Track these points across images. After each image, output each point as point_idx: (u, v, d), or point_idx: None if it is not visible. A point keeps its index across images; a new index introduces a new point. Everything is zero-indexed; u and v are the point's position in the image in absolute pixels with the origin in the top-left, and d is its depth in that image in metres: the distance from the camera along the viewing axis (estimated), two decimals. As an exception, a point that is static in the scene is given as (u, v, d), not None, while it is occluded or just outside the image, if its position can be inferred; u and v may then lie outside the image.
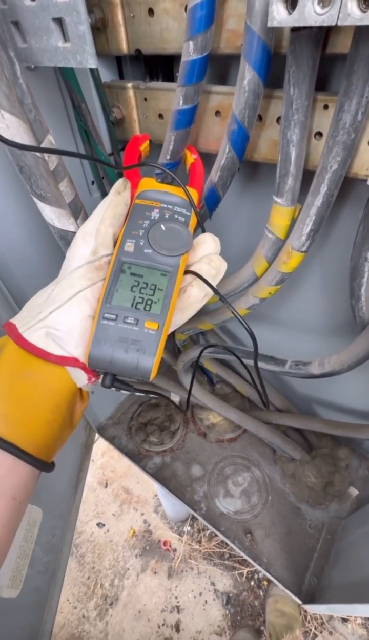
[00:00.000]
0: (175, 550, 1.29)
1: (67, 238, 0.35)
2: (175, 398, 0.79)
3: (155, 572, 1.25)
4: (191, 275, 0.29)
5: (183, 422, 0.81)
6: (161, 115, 0.43)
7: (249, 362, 0.53)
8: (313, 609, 0.53)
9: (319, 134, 0.33)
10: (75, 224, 0.35)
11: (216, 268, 0.29)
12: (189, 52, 0.30)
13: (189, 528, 1.32)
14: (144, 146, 0.36)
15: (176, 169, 0.41)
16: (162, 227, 0.29)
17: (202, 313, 0.56)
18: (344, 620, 1.12)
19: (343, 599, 0.46)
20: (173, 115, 0.37)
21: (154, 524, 1.36)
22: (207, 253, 0.30)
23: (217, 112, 0.38)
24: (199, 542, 1.29)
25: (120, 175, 0.51)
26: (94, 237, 0.28)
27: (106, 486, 1.48)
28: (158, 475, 0.73)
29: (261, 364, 0.52)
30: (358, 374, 0.57)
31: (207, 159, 0.39)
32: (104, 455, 1.58)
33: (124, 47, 0.39)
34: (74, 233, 0.35)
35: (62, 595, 1.23)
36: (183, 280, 0.29)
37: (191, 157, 0.37)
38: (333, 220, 0.43)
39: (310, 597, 0.56)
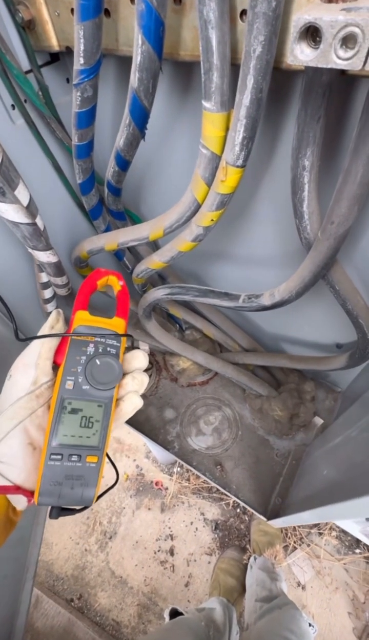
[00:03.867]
0: (166, 488, 1.38)
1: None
2: (144, 347, 0.78)
3: (149, 509, 1.35)
4: (123, 389, 0.34)
5: (155, 369, 0.81)
6: (73, 10, 0.37)
7: (205, 300, 0.51)
8: (273, 523, 0.58)
9: (245, 12, 0.28)
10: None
11: (140, 384, 0.34)
12: None
13: (178, 469, 1.41)
14: (103, 281, 0.37)
15: (96, 76, 0.36)
16: (97, 362, 0.32)
17: (150, 252, 0.53)
18: (320, 533, 1.25)
19: (297, 511, 0.49)
20: (76, 2, 0.31)
21: (146, 468, 1.44)
22: (138, 367, 0.35)
23: (133, -2, 0.32)
24: (188, 480, 1.38)
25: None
26: (34, 368, 0.31)
27: (98, 438, 1.55)
28: (132, 420, 0.75)
29: (215, 301, 0.50)
30: (318, 304, 0.56)
31: (130, 63, 0.33)
32: (94, 411, 1.63)
33: None
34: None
35: (64, 534, 1.34)
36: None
37: (117, 284, 0.37)
38: (274, 132, 0.38)
39: (275, 514, 0.61)
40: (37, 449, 0.30)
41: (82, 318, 0.35)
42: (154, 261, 0.51)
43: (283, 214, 0.46)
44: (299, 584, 1.18)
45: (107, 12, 0.34)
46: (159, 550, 1.28)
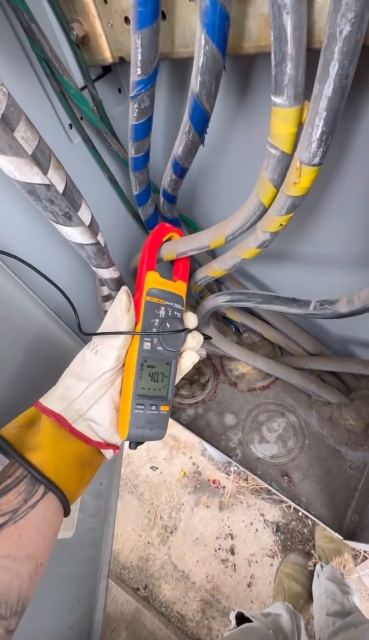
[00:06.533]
0: (224, 487, 1.38)
1: (35, 192, 0.31)
2: (201, 352, 0.77)
3: (207, 506, 1.36)
4: (181, 347, 0.40)
5: (213, 374, 0.80)
6: (127, 19, 0.35)
7: (270, 307, 0.48)
8: (353, 545, 0.53)
9: (325, -13, 0.24)
10: (41, 174, 0.31)
11: (197, 342, 0.42)
12: None
13: (235, 468, 1.40)
14: (168, 237, 0.43)
15: (153, 86, 0.34)
16: (168, 325, 0.38)
17: (209, 259, 0.51)
18: (395, 544, 1.15)
19: (384, 537, 0.44)
20: (133, 9, 0.29)
21: (203, 466, 1.45)
22: (192, 327, 0.42)
23: (191, -6, 0.30)
24: (246, 479, 1.36)
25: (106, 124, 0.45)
26: (119, 349, 0.36)
27: (155, 435, 1.59)
28: (192, 425, 0.74)
29: (282, 308, 0.46)
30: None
31: (189, 65, 0.31)
32: (150, 408, 1.67)
33: None
34: (43, 185, 0.31)
35: (128, 526, 1.40)
36: None
37: None
38: (352, 116, 0.34)
39: (352, 534, 0.56)
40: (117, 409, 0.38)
41: (153, 280, 0.39)
42: (215, 269, 0.48)
43: (359, 204, 0.41)
44: (372, 596, 1.11)
45: (163, 15, 0.32)
46: (219, 549, 1.28)
